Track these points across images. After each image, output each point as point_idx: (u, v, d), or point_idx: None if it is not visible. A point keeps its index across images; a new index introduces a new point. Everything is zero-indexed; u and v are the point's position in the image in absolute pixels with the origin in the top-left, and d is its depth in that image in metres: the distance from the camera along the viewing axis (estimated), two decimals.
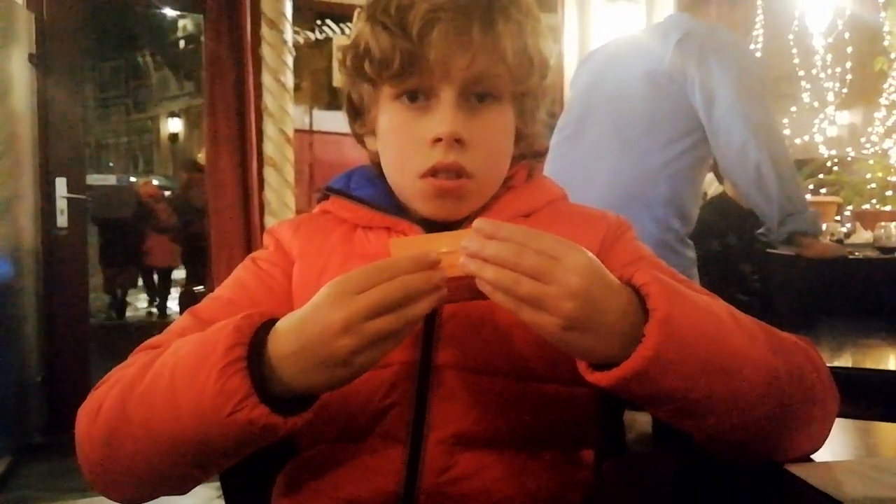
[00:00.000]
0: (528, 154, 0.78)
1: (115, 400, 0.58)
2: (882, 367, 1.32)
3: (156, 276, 6.90)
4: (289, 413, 0.53)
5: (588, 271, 0.51)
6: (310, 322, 0.52)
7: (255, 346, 0.53)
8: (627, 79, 1.73)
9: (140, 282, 6.95)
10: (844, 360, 1.32)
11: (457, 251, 0.54)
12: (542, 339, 0.64)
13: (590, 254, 0.53)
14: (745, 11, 1.98)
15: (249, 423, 0.51)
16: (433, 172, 0.67)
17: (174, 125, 14.59)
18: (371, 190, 0.75)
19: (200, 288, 2.46)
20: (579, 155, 1.76)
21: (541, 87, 0.72)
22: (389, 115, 0.70)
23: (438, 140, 0.66)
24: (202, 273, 6.00)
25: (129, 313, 6.80)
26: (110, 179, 7.43)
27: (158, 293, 6.81)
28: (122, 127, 16.53)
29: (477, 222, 0.53)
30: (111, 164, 16.45)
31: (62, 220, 2.94)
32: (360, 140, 0.77)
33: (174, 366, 0.56)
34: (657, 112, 1.69)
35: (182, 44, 14.69)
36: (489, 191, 0.72)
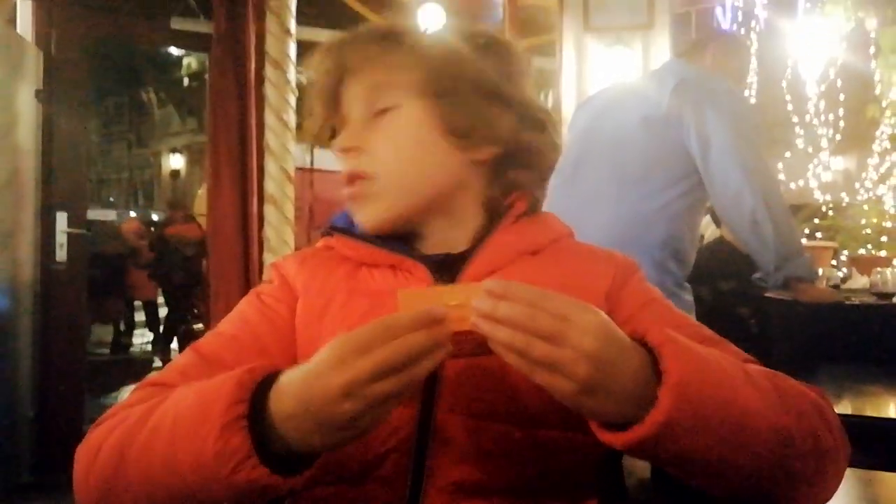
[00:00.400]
0: (517, 164, 0.75)
1: (113, 447, 0.58)
2: (883, 414, 1.31)
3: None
4: (289, 471, 0.52)
5: (601, 333, 0.51)
6: (311, 384, 0.51)
7: (256, 402, 0.53)
8: (625, 124, 1.76)
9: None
10: (844, 407, 1.30)
11: (465, 305, 0.53)
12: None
13: (602, 314, 0.52)
14: (741, 59, 2.03)
15: (249, 484, 0.51)
16: (347, 183, 0.73)
17: (176, 161, 14.70)
18: None
19: (199, 326, 2.44)
20: (577, 198, 1.78)
21: (467, 81, 0.71)
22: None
23: (343, 155, 0.73)
24: (184, 308, 6.01)
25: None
26: (111, 214, 7.46)
27: (148, 326, 6.76)
28: (124, 162, 16.67)
29: (486, 283, 0.52)
30: (112, 199, 16.53)
31: (61, 255, 2.94)
32: None
33: (175, 419, 0.55)
34: (654, 157, 1.72)
35: (186, 81, 14.92)
36: (406, 185, 0.72)
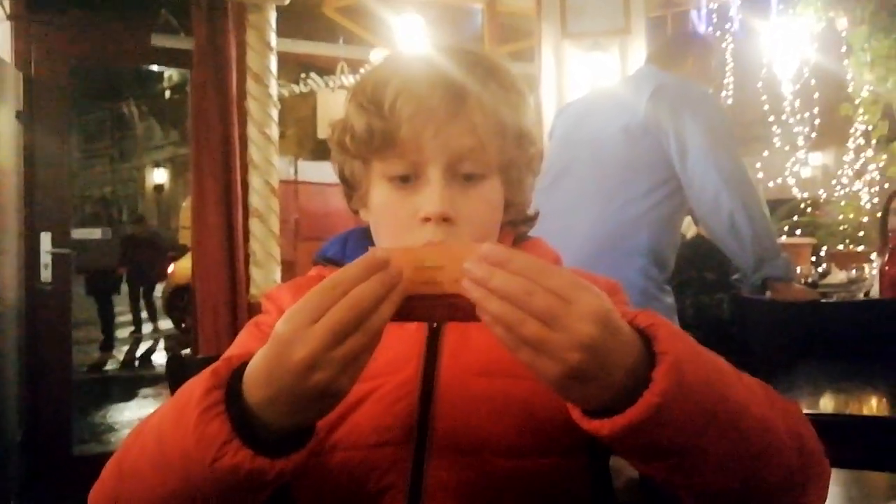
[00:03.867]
0: (518, 220, 0.78)
1: (112, 467, 0.59)
2: (865, 412, 1.32)
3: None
4: (280, 454, 0.51)
5: (602, 320, 0.47)
6: (274, 367, 0.50)
7: (233, 390, 0.52)
8: (603, 131, 1.79)
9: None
10: (825, 406, 1.33)
11: (444, 267, 0.50)
12: (538, 411, 0.63)
13: (605, 298, 0.48)
14: (717, 60, 2.07)
15: (234, 469, 0.49)
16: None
17: (159, 175, 14.61)
18: None
19: (187, 351, 2.44)
20: (559, 206, 1.80)
21: (524, 157, 0.74)
22: (380, 193, 0.71)
23: (428, 219, 0.66)
24: None
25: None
26: (95, 233, 7.41)
27: None
28: (107, 178, 16.55)
29: (486, 247, 0.49)
30: (96, 215, 16.39)
31: (46, 275, 2.93)
32: (355, 213, 0.78)
33: (160, 420, 0.56)
34: (635, 163, 1.75)
35: (167, 94, 14.85)
36: None
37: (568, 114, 2.01)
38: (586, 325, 0.46)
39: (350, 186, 0.76)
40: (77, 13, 3.04)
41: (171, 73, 13.89)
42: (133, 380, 5.74)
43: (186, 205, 7.66)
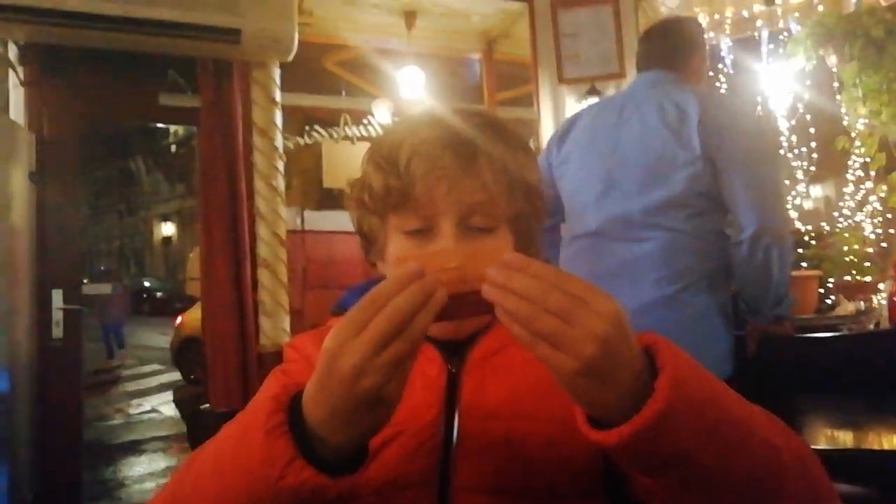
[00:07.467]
0: None
1: (166, 498, 0.60)
2: (885, 446, 1.29)
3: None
4: (338, 473, 0.54)
5: (615, 320, 0.50)
6: (326, 379, 0.53)
7: (293, 413, 0.55)
8: (653, 161, 1.71)
9: None
10: (843, 440, 1.32)
11: (464, 266, 0.54)
12: (557, 453, 0.65)
13: (618, 302, 0.52)
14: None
15: (299, 486, 0.52)
16: None
17: (167, 228, 14.75)
18: None
19: (206, 406, 2.42)
20: (622, 249, 1.72)
21: (532, 209, 0.78)
22: (396, 245, 0.75)
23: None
24: None
25: None
26: (105, 288, 7.52)
27: None
28: (115, 232, 16.71)
29: (507, 256, 0.53)
30: (103, 268, 16.50)
31: (57, 332, 2.95)
32: (372, 265, 0.82)
33: (218, 447, 0.58)
34: (695, 190, 1.68)
35: (173, 148, 15.11)
36: None
37: (587, 145, 1.85)
38: (600, 322, 0.49)
39: (368, 240, 0.80)
40: (87, 75, 3.12)
41: (176, 129, 14.17)
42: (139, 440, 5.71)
43: (193, 256, 7.76)
